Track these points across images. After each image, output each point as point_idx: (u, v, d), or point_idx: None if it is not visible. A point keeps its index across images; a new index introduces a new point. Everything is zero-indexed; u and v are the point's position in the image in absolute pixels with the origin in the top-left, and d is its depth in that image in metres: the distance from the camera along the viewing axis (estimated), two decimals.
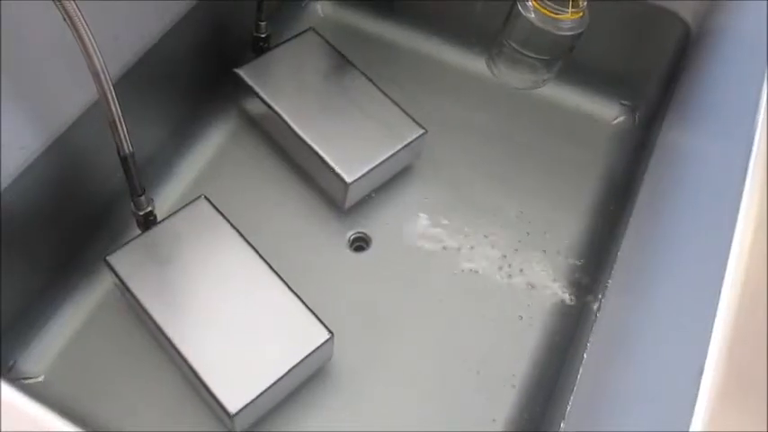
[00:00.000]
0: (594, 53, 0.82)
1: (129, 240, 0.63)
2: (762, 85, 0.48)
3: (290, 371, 0.58)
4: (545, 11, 0.72)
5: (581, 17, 0.73)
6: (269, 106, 0.73)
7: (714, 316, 0.37)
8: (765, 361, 0.35)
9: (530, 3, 0.73)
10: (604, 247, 0.71)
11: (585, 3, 0.73)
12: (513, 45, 0.78)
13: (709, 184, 0.51)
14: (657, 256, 0.55)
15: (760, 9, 0.61)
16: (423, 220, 0.75)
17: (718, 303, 0.37)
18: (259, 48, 0.78)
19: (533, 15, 0.73)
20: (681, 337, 0.41)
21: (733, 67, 0.62)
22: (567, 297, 0.70)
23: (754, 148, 0.42)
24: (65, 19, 0.43)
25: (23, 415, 0.35)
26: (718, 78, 0.64)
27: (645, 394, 0.44)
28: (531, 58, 0.79)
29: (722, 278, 0.38)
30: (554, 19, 0.72)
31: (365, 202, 0.75)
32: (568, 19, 0.72)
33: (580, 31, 0.74)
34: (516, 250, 0.73)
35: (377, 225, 0.74)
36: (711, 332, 0.36)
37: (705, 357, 0.35)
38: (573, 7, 0.72)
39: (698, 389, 0.34)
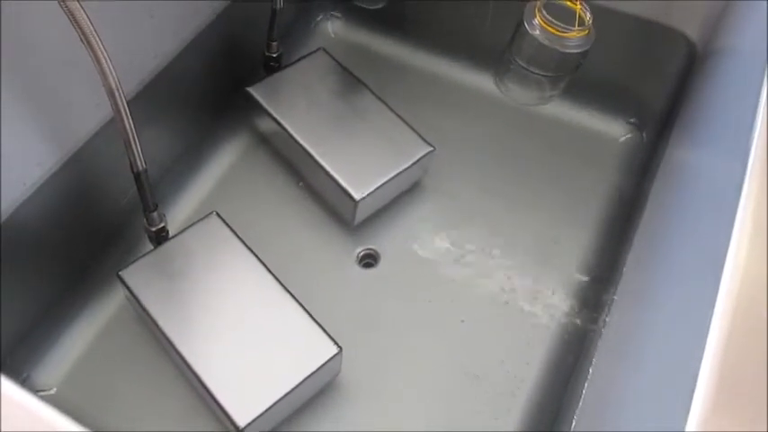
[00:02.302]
0: (602, 71, 0.83)
1: (142, 255, 0.64)
2: (758, 97, 0.49)
3: (298, 385, 0.58)
4: (551, 29, 0.73)
5: (587, 35, 0.74)
6: (279, 124, 0.74)
7: (707, 332, 0.37)
8: (762, 373, 0.35)
9: (536, 21, 0.74)
10: (611, 264, 0.71)
11: (591, 20, 0.74)
12: (520, 62, 0.79)
13: (714, 202, 0.52)
14: (662, 273, 0.56)
15: (764, 27, 0.61)
16: (431, 236, 0.75)
17: (711, 318, 0.37)
18: (270, 67, 0.79)
19: (539, 33, 0.74)
20: (683, 354, 0.42)
21: (738, 85, 0.63)
22: (573, 313, 0.70)
23: (749, 166, 0.43)
24: (81, 39, 0.45)
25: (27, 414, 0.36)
26: (724, 97, 0.64)
27: (651, 411, 0.44)
28: (538, 74, 0.79)
29: (717, 294, 0.38)
30: (560, 37, 0.73)
31: (374, 218, 0.75)
32: (574, 37, 0.73)
33: (586, 48, 0.75)
34: (523, 266, 0.73)
35: (385, 241, 0.75)
36: (704, 349, 0.36)
37: (698, 372, 0.35)
38: (578, 25, 0.73)
39: (690, 402, 0.34)
